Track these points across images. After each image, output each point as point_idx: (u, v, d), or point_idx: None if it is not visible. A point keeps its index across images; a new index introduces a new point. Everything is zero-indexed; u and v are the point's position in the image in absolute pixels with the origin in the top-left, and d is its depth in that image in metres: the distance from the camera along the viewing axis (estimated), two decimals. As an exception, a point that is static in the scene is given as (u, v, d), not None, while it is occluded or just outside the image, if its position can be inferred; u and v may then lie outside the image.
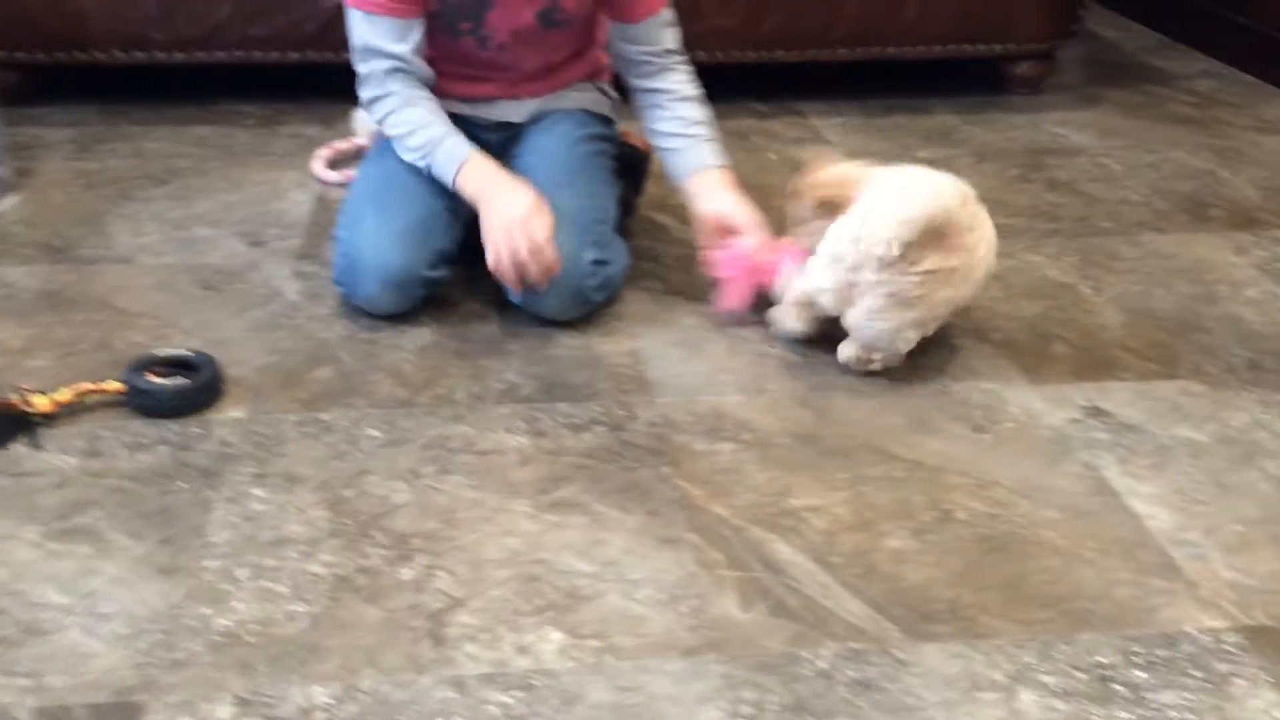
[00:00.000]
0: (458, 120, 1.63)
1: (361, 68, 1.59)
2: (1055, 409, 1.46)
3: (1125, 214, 2.04)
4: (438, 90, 1.65)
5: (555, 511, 1.26)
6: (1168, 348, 1.61)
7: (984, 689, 1.05)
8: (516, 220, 1.50)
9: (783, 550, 1.21)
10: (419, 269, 1.57)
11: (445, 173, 1.57)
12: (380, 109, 1.60)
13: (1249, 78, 2.84)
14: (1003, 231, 1.95)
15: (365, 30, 1.56)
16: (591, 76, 1.79)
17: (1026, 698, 1.04)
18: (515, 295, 1.57)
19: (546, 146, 1.67)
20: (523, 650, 1.07)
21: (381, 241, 1.55)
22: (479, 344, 1.57)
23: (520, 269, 1.51)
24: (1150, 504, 1.29)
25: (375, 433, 1.38)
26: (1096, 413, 1.46)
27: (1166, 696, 1.04)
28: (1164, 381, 1.53)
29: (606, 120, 1.79)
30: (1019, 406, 1.47)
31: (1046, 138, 2.40)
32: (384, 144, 1.70)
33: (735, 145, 2.27)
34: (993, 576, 1.19)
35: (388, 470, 1.31)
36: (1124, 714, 1.02)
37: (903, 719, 1.01)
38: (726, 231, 1.61)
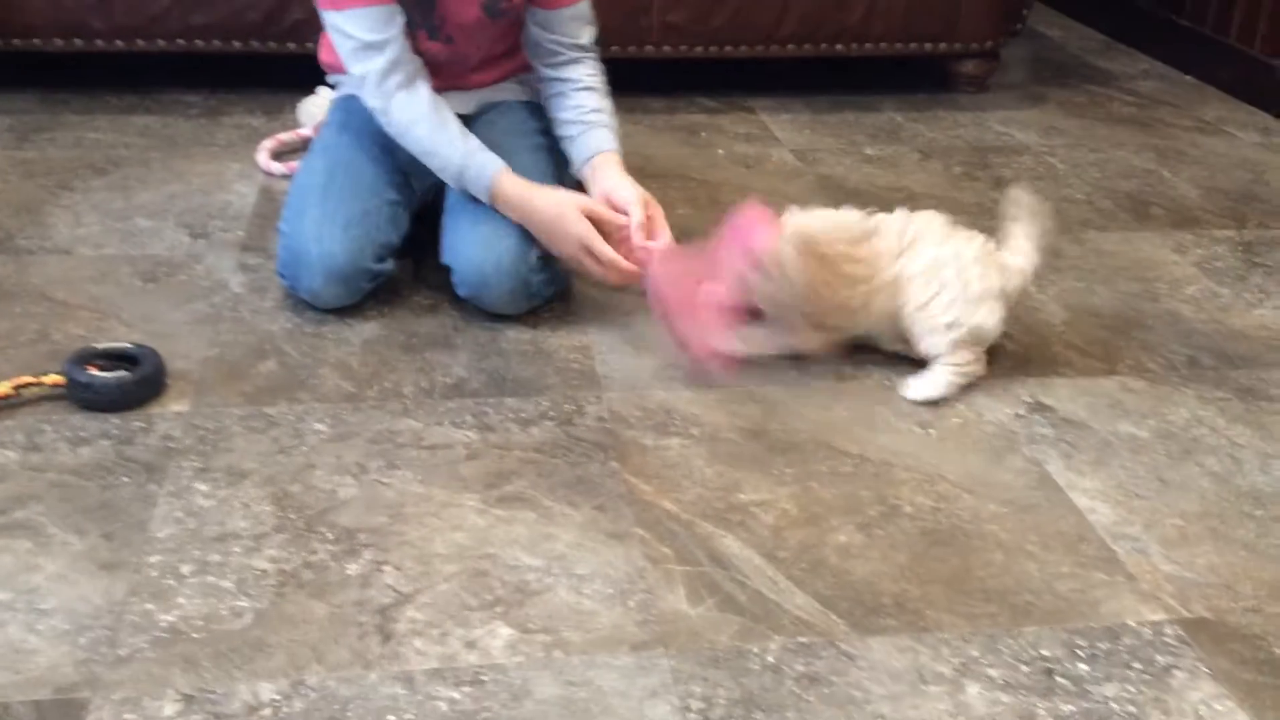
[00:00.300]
0: None
1: (357, 70, 1.54)
2: (999, 405, 1.49)
3: (1068, 212, 2.07)
4: None
5: (503, 506, 1.25)
6: (1109, 345, 1.64)
7: (930, 682, 1.06)
8: (574, 257, 1.53)
9: (731, 545, 1.22)
10: (363, 262, 1.55)
11: (477, 192, 1.56)
12: (390, 124, 1.57)
13: (1190, 79, 2.90)
14: (949, 229, 1.98)
15: (349, 28, 1.52)
16: (524, 69, 1.79)
17: (972, 690, 1.05)
18: (475, 291, 1.57)
19: (497, 141, 1.66)
20: (471, 645, 1.07)
21: (324, 233, 1.53)
22: (426, 338, 1.56)
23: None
24: (1092, 498, 1.32)
25: (321, 427, 1.36)
26: (1040, 408, 1.48)
27: (1108, 689, 1.06)
28: (1105, 378, 1.56)
29: (543, 113, 1.79)
30: (964, 402, 1.49)
31: (991, 136, 2.44)
32: (327, 134, 1.68)
33: (684, 141, 2.28)
34: (938, 570, 1.20)
35: (334, 465, 1.30)
36: (1067, 706, 1.04)
37: (850, 712, 1.02)
38: (616, 210, 1.58)
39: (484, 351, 1.54)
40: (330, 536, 1.19)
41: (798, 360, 1.55)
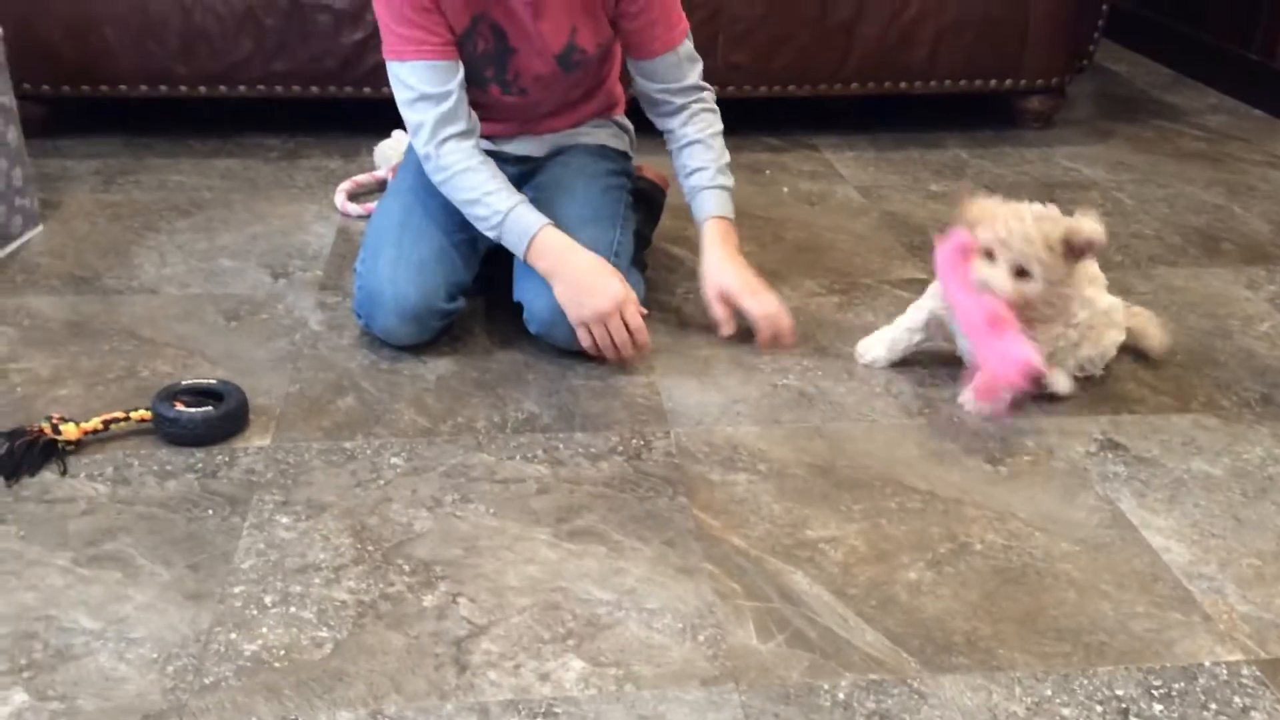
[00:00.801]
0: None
1: (412, 118, 1.57)
2: (1071, 441, 1.48)
3: (1137, 247, 2.06)
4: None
5: (574, 540, 1.27)
6: (1181, 381, 1.63)
7: (1002, 720, 1.06)
8: (607, 313, 1.54)
9: (800, 581, 1.23)
10: (435, 302, 1.59)
11: (516, 244, 1.57)
12: (438, 170, 1.58)
13: (1260, 113, 2.87)
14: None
15: (410, 79, 1.55)
16: (606, 111, 1.82)
17: (1044, 729, 1.05)
18: (551, 331, 1.60)
19: (565, 181, 1.70)
20: (544, 677, 1.09)
21: (398, 275, 1.58)
22: (498, 374, 1.59)
23: (615, 350, 1.57)
24: (1166, 537, 1.30)
25: (397, 461, 1.40)
26: (1112, 445, 1.47)
27: (1183, 728, 1.05)
28: (1178, 415, 1.54)
29: (623, 155, 1.82)
30: (1035, 439, 1.48)
31: (1058, 171, 2.43)
32: (403, 178, 1.72)
33: (748, 179, 2.30)
34: (1010, 609, 1.19)
35: (410, 498, 1.33)
36: (1141, 745, 1.03)
37: (921, 749, 1.02)
38: (729, 303, 1.65)
39: (554, 387, 1.56)
40: (407, 568, 1.22)
41: (864, 395, 1.56)
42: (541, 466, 1.39)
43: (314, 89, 2.38)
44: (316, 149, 2.40)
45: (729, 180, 1.71)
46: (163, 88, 2.35)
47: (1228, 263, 2.00)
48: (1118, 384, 1.62)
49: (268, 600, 1.17)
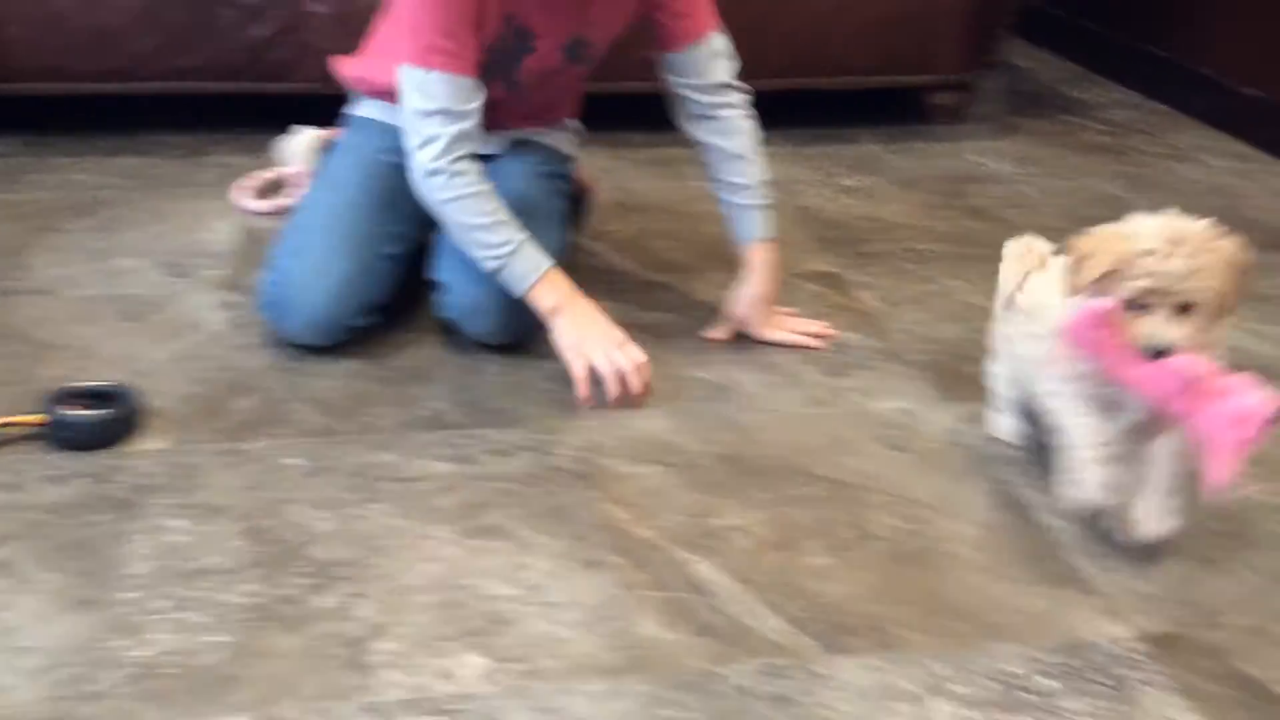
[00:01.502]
0: None
1: (426, 131, 1.47)
2: (970, 427, 1.50)
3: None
4: None
5: (479, 537, 1.26)
6: (1079, 367, 1.66)
7: (897, 699, 1.07)
8: (613, 345, 1.49)
9: (706, 570, 1.23)
10: (348, 319, 1.57)
11: (519, 281, 1.50)
12: (447, 189, 1.49)
13: (1163, 107, 2.94)
14: (924, 257, 2.01)
15: (436, 90, 1.46)
16: (573, 114, 1.81)
17: (938, 707, 1.06)
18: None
19: (508, 177, 1.63)
20: (444, 675, 1.08)
21: (317, 285, 1.54)
22: (406, 371, 1.58)
23: (620, 386, 1.48)
24: (1059, 518, 1.33)
25: (298, 462, 1.38)
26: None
27: (1075, 704, 1.07)
28: (1076, 400, 1.58)
29: (567, 158, 1.81)
30: (937, 426, 1.51)
31: (967, 166, 2.47)
32: (335, 177, 1.67)
33: (665, 175, 2.31)
34: (909, 591, 1.21)
35: (310, 499, 1.31)
36: (1032, 722, 1.05)
37: (819, 732, 1.03)
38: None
39: (463, 384, 1.55)
40: (305, 570, 1.20)
41: (774, 386, 1.57)
42: (447, 464, 1.38)
43: (219, 84, 2.34)
44: (222, 145, 2.35)
45: (772, 199, 1.69)
46: (64, 85, 2.29)
47: (1127, 252, 2.05)
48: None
49: (160, 605, 1.14)
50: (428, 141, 1.48)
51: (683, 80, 1.63)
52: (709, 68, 1.62)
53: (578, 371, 1.48)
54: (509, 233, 1.50)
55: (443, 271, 1.59)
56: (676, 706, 1.05)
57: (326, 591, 1.17)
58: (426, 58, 1.46)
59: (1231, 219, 2.22)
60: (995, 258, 2.05)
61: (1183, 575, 1.25)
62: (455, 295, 1.57)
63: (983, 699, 1.07)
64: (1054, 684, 1.09)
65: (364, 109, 1.76)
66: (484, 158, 1.69)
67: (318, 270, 1.55)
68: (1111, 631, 1.16)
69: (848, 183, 2.34)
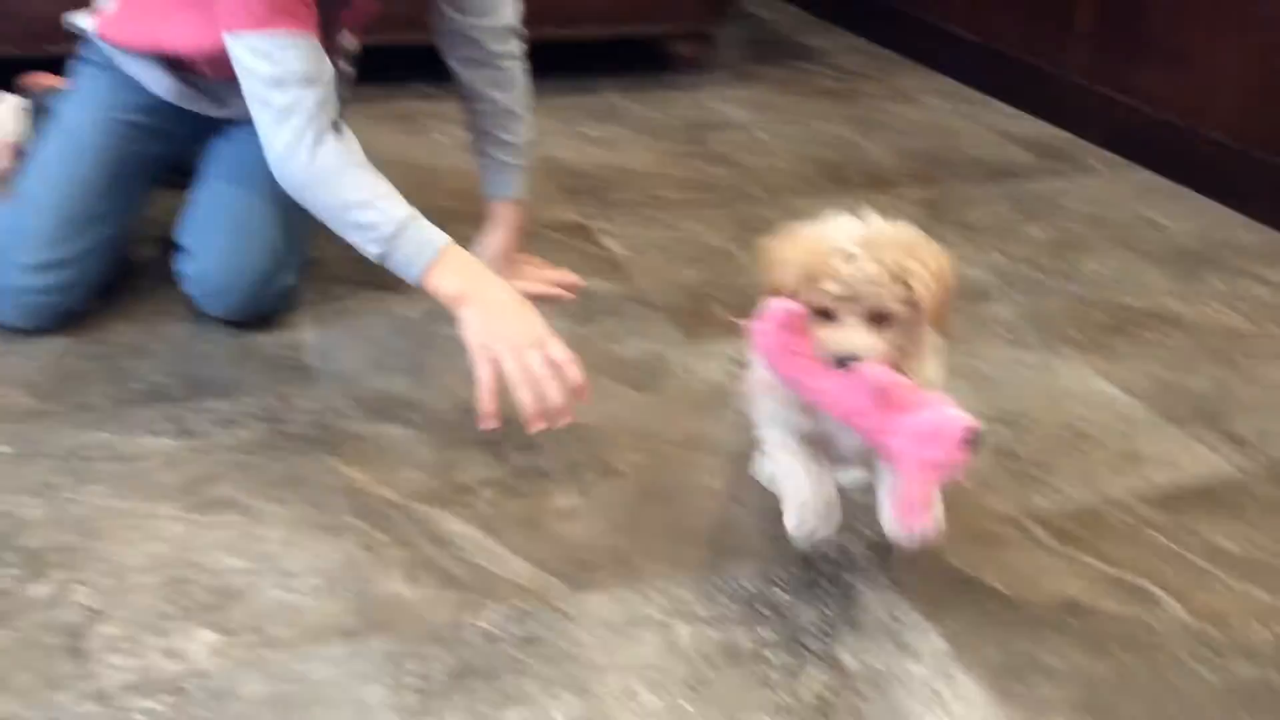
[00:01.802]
0: (173, 111, 1.53)
1: (278, 101, 1.30)
2: (710, 363, 1.54)
3: (774, 181, 2.17)
4: (195, 74, 1.52)
5: (206, 511, 1.20)
6: (811, 299, 1.73)
7: (643, 627, 1.09)
8: (531, 346, 1.23)
9: (450, 524, 1.22)
10: (64, 305, 1.47)
11: (413, 258, 1.30)
12: (310, 167, 1.31)
13: (889, 52, 3.09)
14: (666, 204, 2.05)
15: (283, 56, 1.29)
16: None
17: (682, 629, 1.09)
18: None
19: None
20: (170, 654, 1.02)
21: (31, 267, 1.42)
22: (120, 345, 1.48)
23: (537, 399, 1.22)
24: (795, 442, 1.39)
25: (2, 449, 1.27)
26: (746, 365, 1.55)
27: (806, 611, 1.12)
28: (809, 330, 1.64)
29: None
30: (679, 364, 1.54)
31: (706, 113, 2.52)
32: (72, 121, 1.53)
33: (404, 129, 2.25)
34: (653, 524, 1.24)
35: (17, 485, 1.21)
36: (768, 631, 1.09)
37: (565, 667, 1.04)
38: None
39: (182, 355, 1.47)
40: (13, 560, 1.11)
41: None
42: (168, 439, 1.31)
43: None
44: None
45: (532, 159, 1.65)
46: None
47: (853, 190, 2.15)
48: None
49: None
50: (283, 117, 1.30)
51: (470, 20, 1.55)
52: (498, 6, 1.56)
53: (481, 378, 1.24)
54: (390, 207, 1.30)
55: (192, 237, 1.50)
56: (423, 660, 1.04)
57: (38, 580, 1.09)
58: (271, 20, 1.29)
59: (945, 154, 2.39)
60: (733, 202, 2.12)
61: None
62: (205, 269, 1.48)
63: (723, 617, 1.11)
64: (788, 596, 1.14)
65: (103, 56, 1.58)
66: (220, 121, 1.59)
67: (37, 251, 1.43)
68: (838, 542, 1.22)
69: (592, 133, 2.35)
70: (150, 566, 1.12)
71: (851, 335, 1.02)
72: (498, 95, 1.60)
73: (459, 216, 1.87)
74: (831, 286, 1.02)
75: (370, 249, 1.31)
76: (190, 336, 1.51)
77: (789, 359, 1.05)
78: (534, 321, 1.27)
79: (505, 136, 1.63)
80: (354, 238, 1.32)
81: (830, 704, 1.02)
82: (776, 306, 1.05)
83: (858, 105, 2.64)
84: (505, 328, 1.25)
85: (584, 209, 2.00)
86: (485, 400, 1.23)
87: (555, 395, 1.22)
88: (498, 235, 1.65)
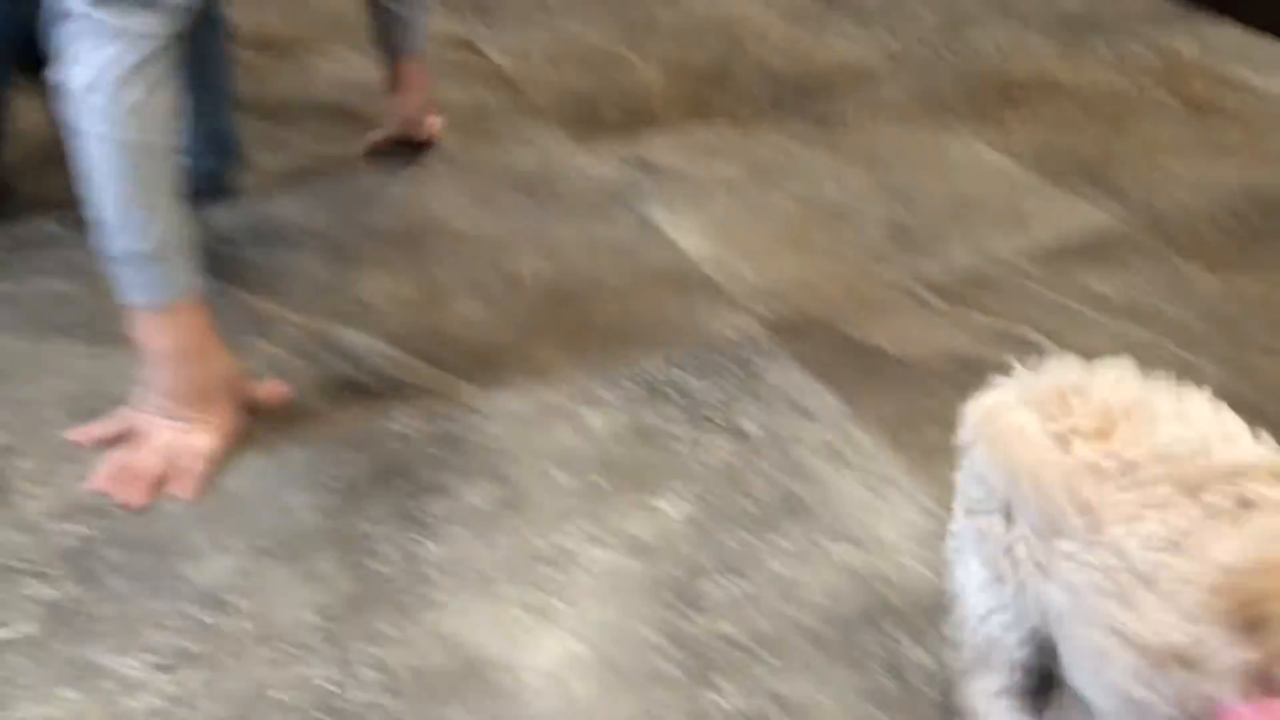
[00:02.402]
0: None
1: (116, 22, 0.97)
2: (603, 165, 1.55)
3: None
4: None
5: (110, 345, 1.20)
6: (702, 97, 1.73)
7: (554, 417, 1.13)
8: (162, 453, 1.06)
9: (355, 338, 1.23)
10: None
11: (138, 290, 1.04)
12: (128, 116, 0.99)
13: None
14: (545, 6, 2.00)
15: None
16: None
17: (591, 415, 1.13)
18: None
19: None
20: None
21: None
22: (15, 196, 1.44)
23: (114, 493, 1.05)
24: (691, 235, 1.41)
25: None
26: (640, 164, 1.56)
27: (708, 389, 1.16)
28: (701, 129, 1.65)
29: None
30: (572, 168, 1.54)
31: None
32: None
33: None
34: (559, 323, 1.26)
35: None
36: (672, 409, 1.14)
37: (480, 457, 1.08)
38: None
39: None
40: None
41: (405, 155, 1.55)
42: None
43: None
44: None
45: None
46: None
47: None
48: (645, 108, 1.70)
49: None
50: (98, 43, 0.98)
51: None
52: None
53: (100, 430, 1.10)
54: (169, 217, 1.03)
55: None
56: (342, 463, 1.07)
57: (-56, 429, 1.09)
58: None
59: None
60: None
61: (801, 267, 1.36)
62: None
63: (628, 399, 1.15)
64: (690, 377, 1.18)
65: None
66: None
67: None
68: (739, 325, 1.26)
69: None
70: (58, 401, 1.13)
71: None
72: (403, 11, 1.48)
73: (332, 36, 1.83)
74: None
75: (115, 244, 1.03)
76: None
77: None
78: (209, 413, 1.09)
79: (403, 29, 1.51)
80: (108, 216, 1.02)
81: (736, 468, 1.07)
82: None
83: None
84: (176, 407, 1.08)
85: (466, 22, 1.96)
86: (83, 437, 1.10)
87: (127, 498, 1.04)
88: (411, 94, 1.56)
